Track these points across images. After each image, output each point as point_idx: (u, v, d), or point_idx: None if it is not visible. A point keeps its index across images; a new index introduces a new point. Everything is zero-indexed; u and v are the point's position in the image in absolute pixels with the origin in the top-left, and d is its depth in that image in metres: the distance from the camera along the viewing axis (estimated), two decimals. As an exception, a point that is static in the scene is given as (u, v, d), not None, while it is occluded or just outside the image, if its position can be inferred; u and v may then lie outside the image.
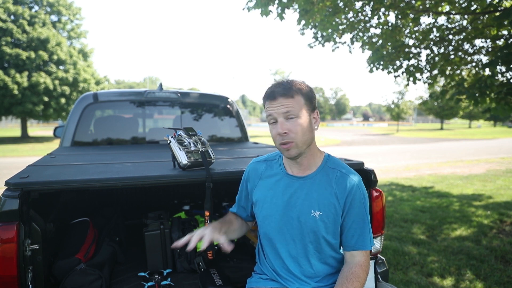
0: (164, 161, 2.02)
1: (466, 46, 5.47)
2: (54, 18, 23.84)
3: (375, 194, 1.80)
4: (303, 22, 5.51)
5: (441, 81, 6.38)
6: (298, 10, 5.24)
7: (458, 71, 5.88)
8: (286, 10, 5.03)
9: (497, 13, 4.07)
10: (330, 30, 5.44)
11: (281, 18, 5.06)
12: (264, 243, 1.50)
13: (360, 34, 5.70)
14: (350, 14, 5.28)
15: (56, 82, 21.16)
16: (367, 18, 5.33)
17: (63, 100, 21.59)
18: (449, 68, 5.73)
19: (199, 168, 1.72)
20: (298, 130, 1.28)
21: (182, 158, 1.68)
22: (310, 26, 5.60)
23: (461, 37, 5.34)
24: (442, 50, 5.53)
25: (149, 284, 1.81)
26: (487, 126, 61.58)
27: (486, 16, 4.76)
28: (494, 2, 4.47)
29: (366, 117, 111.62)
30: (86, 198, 2.74)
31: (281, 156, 1.48)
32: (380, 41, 5.60)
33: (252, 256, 1.67)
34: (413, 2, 4.92)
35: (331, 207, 1.34)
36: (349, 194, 1.34)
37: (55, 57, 21.46)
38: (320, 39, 5.85)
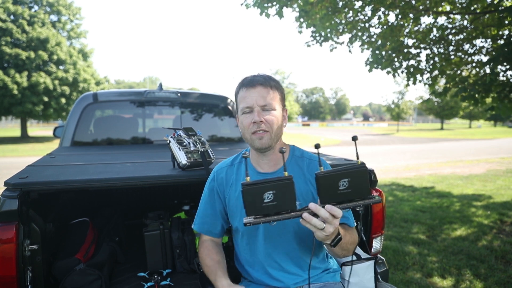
0: (164, 161, 2.02)
1: (466, 46, 5.46)
2: (53, 18, 23.82)
3: (375, 194, 1.80)
4: (301, 20, 5.50)
5: (441, 81, 6.37)
6: (297, 10, 5.23)
7: (459, 72, 5.87)
8: (285, 9, 5.02)
9: (498, 13, 4.06)
10: (328, 30, 5.43)
11: (280, 16, 5.05)
12: (246, 247, 1.43)
13: (360, 33, 5.69)
14: (350, 14, 5.27)
15: (56, 82, 21.16)
16: (367, 18, 5.32)
17: (63, 100, 21.58)
18: (449, 68, 5.73)
19: (199, 168, 1.72)
20: (273, 121, 1.30)
21: (182, 158, 1.68)
22: (309, 25, 5.59)
23: (461, 37, 5.34)
24: (442, 50, 5.52)
25: (149, 284, 1.81)
26: (487, 126, 61.59)
27: (487, 16, 4.76)
28: (495, 2, 4.47)
29: (366, 117, 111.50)
30: (86, 198, 2.74)
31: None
32: (380, 41, 5.60)
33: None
34: (413, 2, 4.92)
35: (309, 194, 1.34)
36: None
37: (55, 57, 21.45)
38: (318, 38, 5.84)
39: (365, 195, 1.04)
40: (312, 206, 1.04)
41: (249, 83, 1.31)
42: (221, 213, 1.46)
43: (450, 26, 5.41)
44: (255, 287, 1.43)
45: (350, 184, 1.03)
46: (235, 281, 1.59)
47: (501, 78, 4.35)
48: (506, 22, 4.32)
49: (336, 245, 1.11)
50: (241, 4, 5.04)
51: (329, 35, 5.64)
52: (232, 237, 1.53)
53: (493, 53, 5.01)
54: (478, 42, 5.41)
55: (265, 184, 1.02)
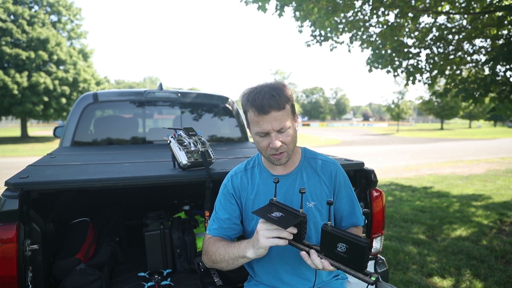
0: (164, 161, 2.02)
1: (466, 46, 5.47)
2: (54, 18, 23.82)
3: (375, 194, 1.81)
4: (298, 15, 5.47)
5: (441, 81, 6.38)
6: (295, 7, 5.21)
7: (458, 71, 5.88)
8: (285, 8, 5.00)
9: (498, 13, 4.06)
10: (328, 29, 5.42)
11: (280, 14, 5.04)
12: None
13: (360, 33, 5.69)
14: (350, 13, 5.27)
15: (56, 82, 21.17)
16: (366, 17, 5.33)
17: (63, 100, 21.59)
18: (448, 68, 5.73)
19: (199, 168, 1.72)
20: (289, 140, 1.29)
21: (182, 158, 1.68)
22: (309, 24, 5.57)
23: (461, 36, 5.34)
24: (441, 50, 5.52)
25: (149, 284, 1.81)
26: (487, 126, 61.57)
27: (486, 16, 4.76)
28: (494, 2, 4.47)
29: (366, 117, 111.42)
30: (86, 198, 2.74)
31: (260, 160, 1.45)
32: (380, 41, 5.60)
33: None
34: (413, 1, 4.92)
35: (323, 195, 1.37)
36: (335, 179, 1.39)
37: (55, 57, 21.45)
38: (318, 38, 5.84)
39: (358, 269, 1.05)
40: (311, 252, 1.12)
41: (260, 108, 1.21)
42: (236, 217, 1.42)
43: (449, 25, 5.41)
44: (263, 287, 1.43)
45: (347, 250, 1.06)
46: (242, 279, 1.61)
47: (500, 78, 4.34)
48: (506, 22, 4.32)
49: None
50: (240, 1, 5.01)
51: (329, 34, 5.64)
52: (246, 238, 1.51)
53: (493, 52, 5.01)
54: (478, 42, 5.41)
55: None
